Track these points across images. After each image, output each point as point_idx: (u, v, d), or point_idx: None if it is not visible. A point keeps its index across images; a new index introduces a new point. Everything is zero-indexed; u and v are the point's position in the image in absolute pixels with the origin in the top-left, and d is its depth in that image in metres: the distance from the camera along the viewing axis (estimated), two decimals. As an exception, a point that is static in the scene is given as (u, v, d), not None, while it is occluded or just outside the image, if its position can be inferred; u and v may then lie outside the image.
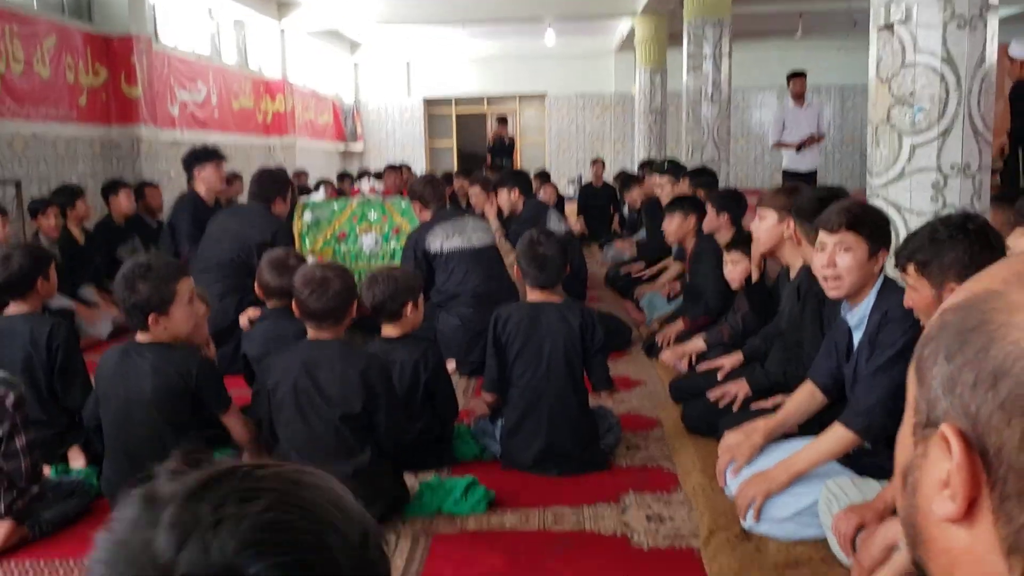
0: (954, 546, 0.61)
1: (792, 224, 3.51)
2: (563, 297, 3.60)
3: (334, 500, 0.73)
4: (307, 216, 5.75)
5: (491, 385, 3.46)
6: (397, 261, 5.52)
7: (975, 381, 0.58)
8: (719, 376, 3.86)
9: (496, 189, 6.19)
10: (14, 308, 3.40)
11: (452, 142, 21.56)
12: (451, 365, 4.86)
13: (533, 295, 3.50)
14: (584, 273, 5.99)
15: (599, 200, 11.03)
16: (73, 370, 3.39)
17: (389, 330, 3.43)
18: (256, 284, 3.73)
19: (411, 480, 3.26)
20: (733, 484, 2.91)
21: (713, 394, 3.66)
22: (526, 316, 3.42)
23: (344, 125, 19.84)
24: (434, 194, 4.98)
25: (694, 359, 4.41)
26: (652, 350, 5.04)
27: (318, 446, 2.79)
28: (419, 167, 21.37)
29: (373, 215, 5.82)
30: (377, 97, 21.58)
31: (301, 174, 11.61)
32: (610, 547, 2.75)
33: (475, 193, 6.96)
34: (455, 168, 20.33)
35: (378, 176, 9.20)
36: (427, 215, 5.01)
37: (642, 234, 8.81)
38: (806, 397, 2.99)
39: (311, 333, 2.94)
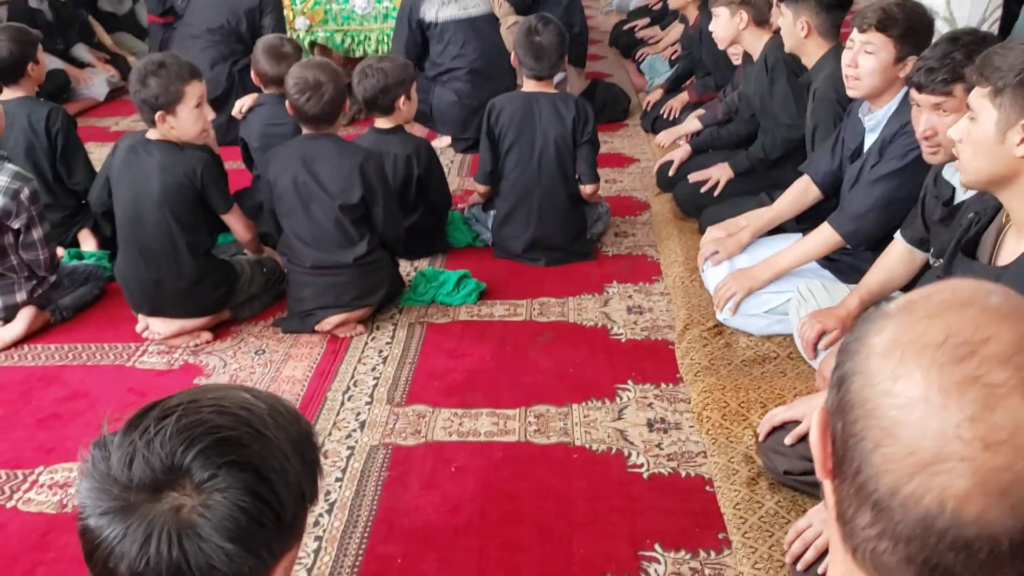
0: None
1: (745, 16, 3.54)
2: (564, 76, 3.58)
3: (260, 411, 0.91)
4: (297, -28, 5.53)
5: (484, 177, 3.53)
6: (390, 23, 5.38)
7: None
8: (670, 172, 3.94)
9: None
10: (8, 93, 3.41)
11: None
12: (446, 141, 4.92)
13: (529, 85, 3.49)
14: (585, 36, 5.84)
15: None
16: (74, 153, 3.46)
17: (382, 122, 3.46)
18: (252, 71, 3.70)
19: (408, 269, 3.44)
20: (711, 276, 3.07)
21: (694, 176, 3.73)
22: (520, 108, 3.43)
23: None
24: None
25: (688, 139, 4.44)
26: (654, 124, 5.02)
27: (320, 236, 2.92)
28: None
29: (367, -28, 5.58)
30: None
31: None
32: (590, 338, 2.95)
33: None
34: None
35: None
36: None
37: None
38: (800, 192, 3.05)
39: (306, 130, 2.98)
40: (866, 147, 2.70)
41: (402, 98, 3.41)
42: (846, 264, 2.81)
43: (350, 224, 2.93)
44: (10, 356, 2.90)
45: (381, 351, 2.89)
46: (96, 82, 5.86)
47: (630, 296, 3.24)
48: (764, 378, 2.64)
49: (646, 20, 7.05)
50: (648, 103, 5.35)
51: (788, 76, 3.33)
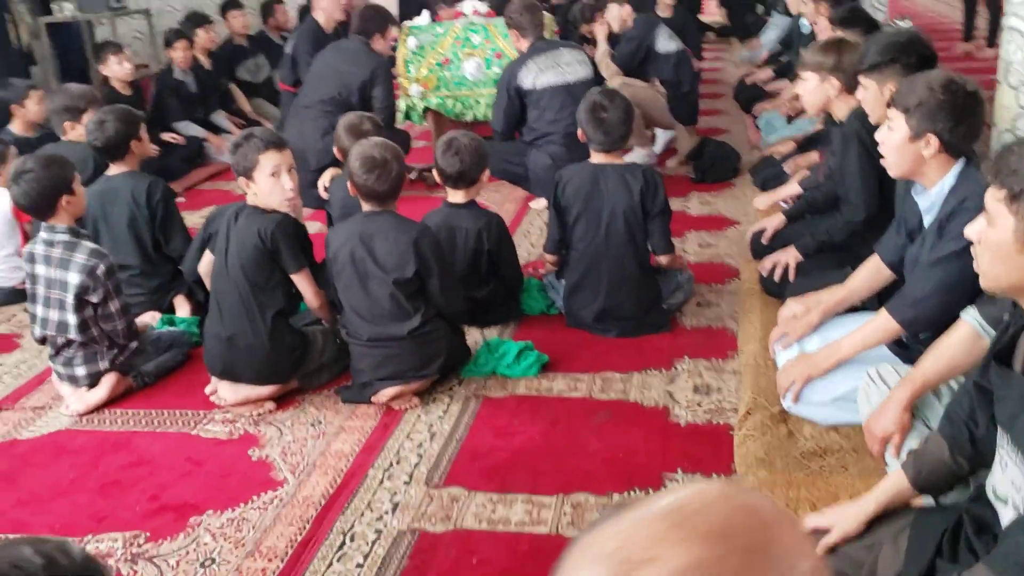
0: None
1: (836, 83, 3.37)
2: (642, 145, 3.52)
3: (34, 568, 0.90)
4: (411, 42, 5.70)
5: (552, 246, 3.51)
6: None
7: None
8: (763, 239, 3.75)
9: (605, 6, 5.87)
10: (114, 169, 3.66)
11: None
12: (542, 203, 4.90)
13: (596, 156, 3.45)
14: (694, 95, 5.72)
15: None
16: (172, 222, 3.67)
17: (456, 196, 3.49)
18: (335, 147, 3.84)
19: (478, 337, 3.43)
20: (782, 358, 2.90)
21: (763, 266, 3.56)
22: (587, 179, 3.39)
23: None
24: (532, 22, 4.81)
25: (791, 202, 4.25)
26: (764, 184, 4.84)
27: (375, 310, 2.97)
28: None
29: (476, 39, 5.70)
30: None
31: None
32: (647, 419, 2.84)
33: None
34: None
35: None
36: (524, 45, 4.87)
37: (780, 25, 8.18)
38: (871, 272, 2.86)
39: (366, 207, 3.05)
40: (924, 228, 2.49)
41: (485, 173, 3.49)
42: (918, 352, 2.59)
43: (404, 298, 2.96)
44: (91, 420, 3.07)
45: (431, 426, 2.88)
46: (229, 147, 6.21)
47: (700, 374, 3.10)
48: (822, 473, 2.46)
49: (770, 73, 6.85)
50: (760, 157, 5.16)
51: (860, 152, 3.10)
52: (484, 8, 5.85)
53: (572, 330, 3.48)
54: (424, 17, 5.85)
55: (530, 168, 4.76)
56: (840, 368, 2.65)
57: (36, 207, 3.06)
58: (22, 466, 2.81)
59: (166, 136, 5.91)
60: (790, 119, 5.67)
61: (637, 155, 5.64)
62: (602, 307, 3.39)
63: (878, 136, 2.49)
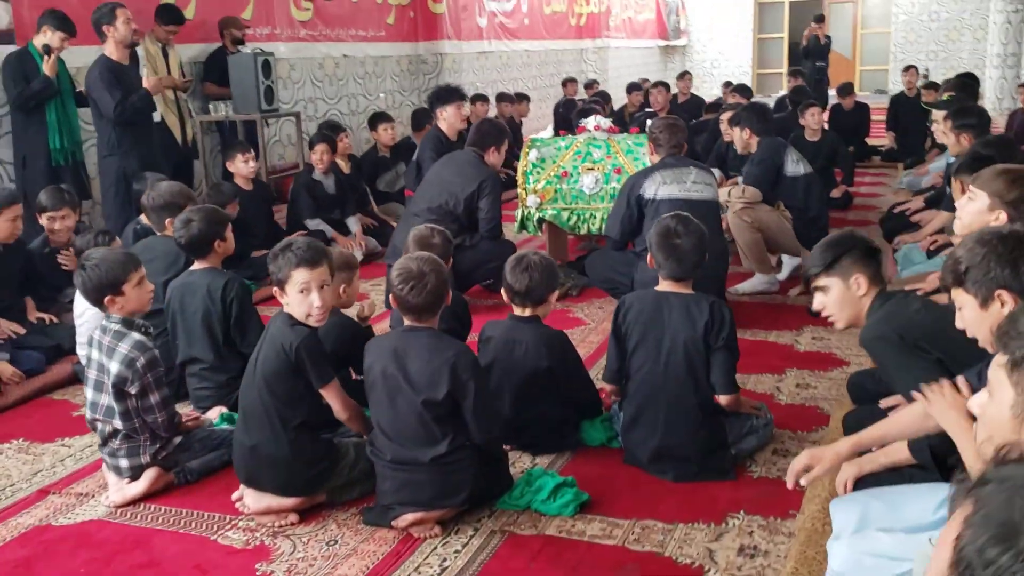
0: None
1: (1004, 215, 2.99)
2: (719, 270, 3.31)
3: None
4: (532, 154, 5.72)
5: (609, 375, 3.31)
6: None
7: None
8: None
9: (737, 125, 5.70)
10: (197, 265, 3.78)
11: (784, 33, 20.11)
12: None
13: (663, 284, 3.25)
14: (823, 221, 5.39)
15: (913, 113, 9.80)
16: (247, 320, 3.73)
17: (522, 311, 3.37)
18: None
19: (528, 463, 3.24)
20: (839, 517, 2.54)
21: (886, 401, 3.18)
22: (649, 306, 3.19)
23: (667, 21, 19.23)
24: (669, 140, 4.71)
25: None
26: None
27: (401, 430, 2.86)
28: (746, 60, 20.34)
29: (597, 154, 5.65)
30: (706, -12, 20.57)
31: (592, 85, 11.52)
32: (677, 581, 2.55)
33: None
34: (785, 62, 19.09)
35: (603, 107, 8.75)
36: (655, 159, 4.77)
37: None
38: (918, 415, 2.48)
39: (406, 321, 2.96)
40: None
41: (554, 294, 3.42)
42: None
43: (432, 420, 2.82)
44: (124, 513, 3.07)
45: (444, 560, 2.69)
46: (355, 251, 6.38)
47: (751, 532, 2.77)
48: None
49: (921, 203, 6.39)
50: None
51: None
52: (607, 124, 5.81)
53: (627, 468, 3.22)
54: (548, 131, 5.87)
55: (636, 280, 4.57)
56: (893, 546, 2.28)
57: (93, 298, 3.17)
58: (42, 554, 2.84)
59: (297, 235, 6.14)
60: (930, 254, 5.23)
61: (758, 281, 5.36)
62: (658, 445, 3.13)
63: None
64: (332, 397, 3.01)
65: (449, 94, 6.12)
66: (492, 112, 10.25)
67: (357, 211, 6.83)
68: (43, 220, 4.86)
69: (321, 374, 2.94)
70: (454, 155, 5.33)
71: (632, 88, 11.34)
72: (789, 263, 5.55)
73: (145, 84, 5.66)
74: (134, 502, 3.12)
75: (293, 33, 8.96)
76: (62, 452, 3.56)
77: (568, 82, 11.91)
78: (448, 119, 5.97)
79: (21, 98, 5.63)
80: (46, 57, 5.61)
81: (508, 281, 3.37)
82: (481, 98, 10.20)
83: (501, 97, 10.29)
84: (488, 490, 2.96)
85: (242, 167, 6.10)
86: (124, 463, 3.15)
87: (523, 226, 5.77)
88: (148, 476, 3.15)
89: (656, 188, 4.56)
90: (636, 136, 5.80)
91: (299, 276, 2.90)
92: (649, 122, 5.95)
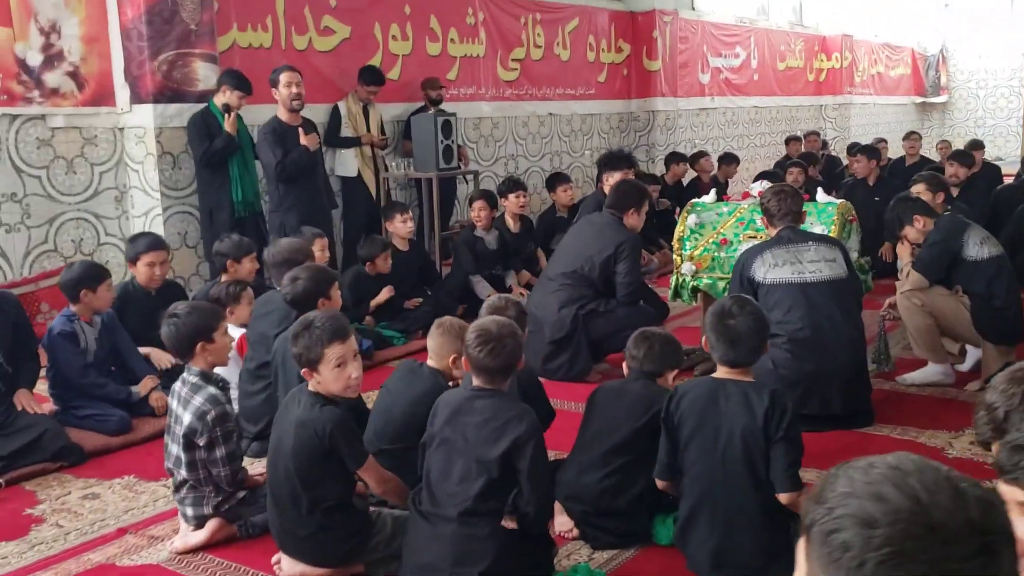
0: None
1: None
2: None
3: None
4: (691, 219, 5.43)
5: (661, 470, 3.00)
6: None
7: None
8: None
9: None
10: (300, 321, 3.87)
11: (1063, 91, 18.12)
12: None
13: (721, 371, 2.92)
14: (1011, 311, 4.65)
15: None
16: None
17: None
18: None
19: (584, 555, 3.01)
20: None
21: None
22: (704, 394, 2.89)
23: (924, 77, 17.92)
24: (780, 209, 4.32)
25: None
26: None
27: (445, 485, 2.74)
28: (1016, 117, 18.50)
29: (761, 221, 5.26)
30: (970, 44, 18.96)
31: (812, 136, 10.87)
32: None
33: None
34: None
35: (804, 168, 8.06)
36: (772, 232, 4.39)
37: None
38: None
39: (476, 380, 2.84)
40: None
41: (672, 373, 3.36)
42: None
43: (478, 478, 2.67)
44: (181, 561, 3.16)
45: (444, 657, 2.52)
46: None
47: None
48: None
49: None
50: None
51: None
52: (774, 190, 5.40)
53: (690, 575, 2.90)
54: (711, 196, 5.56)
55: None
56: None
57: (176, 349, 3.32)
58: (92, 593, 2.97)
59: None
60: None
61: (931, 371, 4.76)
62: (717, 548, 2.80)
63: None
64: (369, 476, 2.95)
65: (618, 160, 5.95)
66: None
67: (522, 268, 6.82)
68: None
69: (357, 455, 2.89)
70: (591, 217, 5.17)
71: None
72: (974, 354, 4.86)
73: (302, 141, 5.96)
74: (194, 551, 3.21)
75: (498, 92, 9.19)
76: (160, 492, 3.74)
77: (792, 140, 11.33)
78: (610, 180, 5.82)
79: (206, 155, 6.11)
80: (226, 115, 6.07)
81: (628, 349, 3.31)
82: (703, 155, 9.96)
83: (698, 155, 9.98)
84: (508, 569, 2.74)
85: (400, 227, 6.26)
86: (189, 511, 3.26)
87: (677, 294, 5.47)
88: (210, 527, 3.23)
89: (766, 270, 4.16)
90: (808, 203, 5.34)
91: (333, 352, 2.87)
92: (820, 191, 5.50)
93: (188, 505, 3.26)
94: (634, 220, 4.93)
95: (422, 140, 7.10)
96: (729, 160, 9.65)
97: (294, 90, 6.04)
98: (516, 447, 2.66)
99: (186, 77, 6.30)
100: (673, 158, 9.58)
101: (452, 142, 7.10)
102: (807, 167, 8.16)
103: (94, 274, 4.35)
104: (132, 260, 4.80)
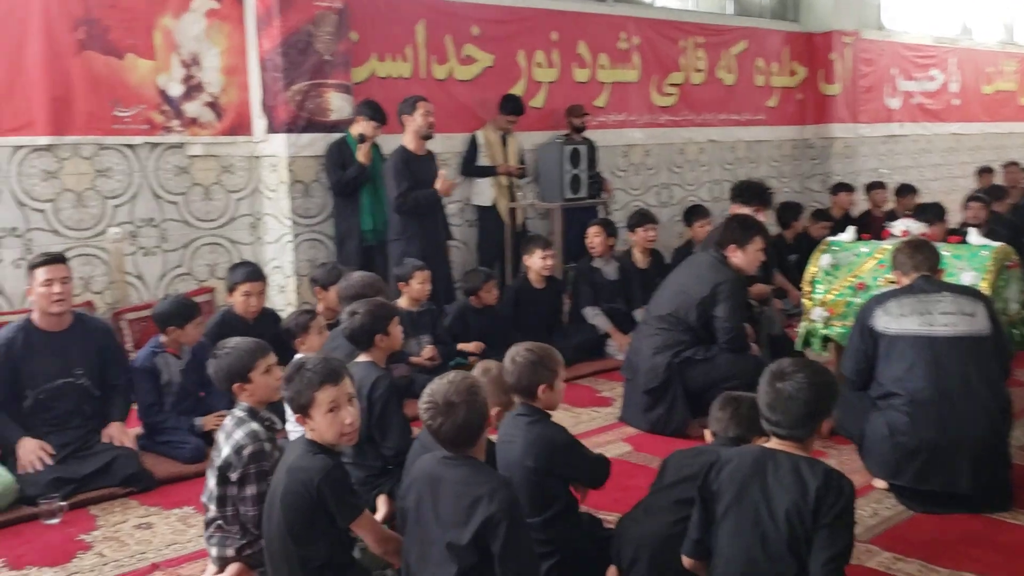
0: None
1: None
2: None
3: None
4: (824, 260, 4.86)
5: (689, 547, 2.58)
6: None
7: None
8: None
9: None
10: (360, 357, 3.71)
11: None
12: (881, 484, 3.70)
13: (771, 441, 2.47)
14: None
15: None
16: (387, 422, 3.55)
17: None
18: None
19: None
20: None
21: None
22: (748, 463, 2.46)
23: None
24: (909, 262, 3.78)
25: None
26: None
27: (420, 569, 2.51)
28: None
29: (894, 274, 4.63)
30: None
31: (1012, 166, 9.69)
32: None
33: None
34: None
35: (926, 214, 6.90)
36: (904, 281, 3.82)
37: None
38: None
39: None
40: None
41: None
42: None
43: (454, 565, 2.41)
44: (196, 604, 3.05)
45: None
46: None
47: None
48: None
49: None
50: None
51: None
52: (920, 228, 4.76)
53: None
54: (849, 233, 4.97)
55: (866, 433, 3.63)
56: None
57: (219, 386, 3.24)
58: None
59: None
60: None
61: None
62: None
63: None
64: (365, 533, 2.73)
65: (748, 193, 5.40)
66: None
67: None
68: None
69: (347, 510, 2.67)
70: (695, 256, 4.71)
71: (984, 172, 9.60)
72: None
73: (437, 185, 5.83)
74: (213, 594, 3.09)
75: (652, 119, 8.82)
76: None
77: (984, 172, 10.19)
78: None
79: (339, 184, 6.17)
80: (360, 145, 6.09)
81: (712, 411, 3.06)
82: (878, 185, 9.13)
83: (872, 186, 9.13)
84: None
85: (537, 263, 5.97)
86: (214, 551, 3.14)
87: (806, 342, 4.91)
88: (229, 571, 3.09)
89: (890, 319, 3.61)
90: (955, 247, 4.66)
91: (324, 396, 2.68)
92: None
93: (214, 544, 3.14)
94: (739, 259, 4.44)
95: (548, 169, 6.87)
96: (906, 192, 8.75)
97: (430, 119, 5.98)
98: (487, 529, 2.37)
99: (319, 107, 6.38)
100: (840, 188, 8.81)
101: (581, 171, 6.81)
102: (990, 202, 7.21)
103: (184, 312, 4.41)
104: (230, 289, 4.84)
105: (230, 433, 3.14)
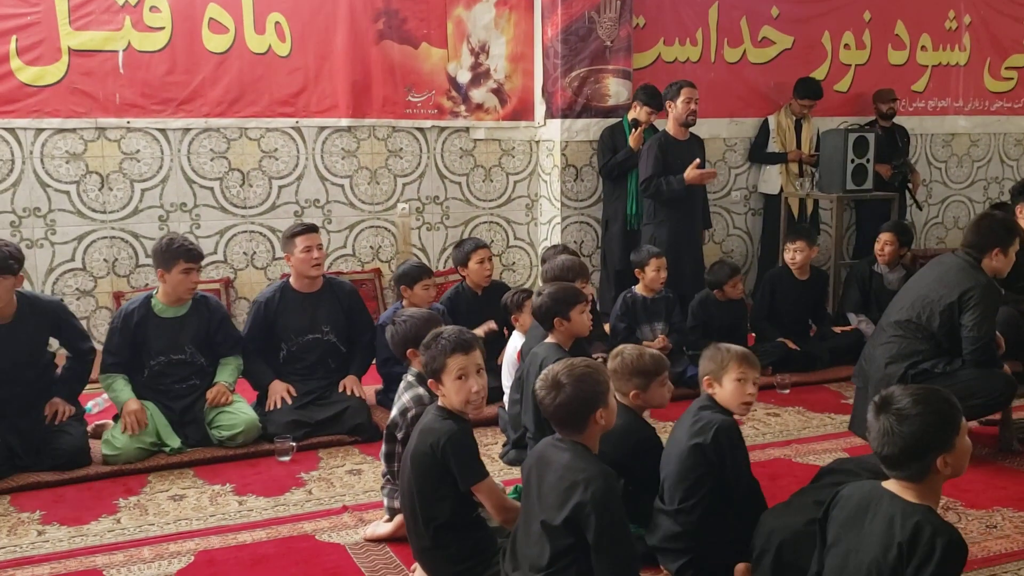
0: None
1: None
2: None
3: None
4: None
5: None
6: None
7: None
8: None
9: None
10: (549, 338, 3.78)
11: None
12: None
13: (890, 482, 2.15)
14: None
15: None
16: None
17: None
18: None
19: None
20: None
21: None
22: (855, 502, 2.17)
23: None
24: None
25: None
26: None
27: (523, 546, 2.56)
28: None
29: None
30: None
31: None
32: None
33: None
34: None
35: None
36: None
37: None
38: None
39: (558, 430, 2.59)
40: None
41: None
42: None
43: (548, 545, 2.44)
44: (362, 548, 3.30)
45: None
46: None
47: None
48: None
49: None
50: None
51: None
52: None
53: None
54: None
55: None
56: None
57: (399, 351, 3.50)
58: (273, 556, 3.26)
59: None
60: None
61: None
62: None
63: None
64: (486, 499, 2.79)
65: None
66: None
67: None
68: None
69: (469, 473, 2.75)
70: (942, 258, 4.11)
71: None
72: None
73: (686, 175, 5.65)
74: (378, 540, 3.33)
75: (981, 105, 7.86)
76: (231, 509, 3.67)
77: None
78: None
79: (606, 167, 6.24)
80: (634, 130, 6.10)
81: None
82: None
83: None
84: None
85: (788, 255, 5.67)
86: (386, 502, 3.39)
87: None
88: (396, 521, 3.31)
89: None
90: None
91: (455, 363, 2.79)
92: None
93: (386, 495, 3.40)
94: (999, 263, 3.85)
95: (829, 158, 6.37)
96: None
97: (692, 107, 5.83)
98: (578, 515, 2.36)
99: (596, 93, 6.49)
100: None
101: (866, 161, 6.24)
102: None
103: (413, 273, 4.75)
104: (463, 263, 5.12)
105: (399, 396, 3.37)
